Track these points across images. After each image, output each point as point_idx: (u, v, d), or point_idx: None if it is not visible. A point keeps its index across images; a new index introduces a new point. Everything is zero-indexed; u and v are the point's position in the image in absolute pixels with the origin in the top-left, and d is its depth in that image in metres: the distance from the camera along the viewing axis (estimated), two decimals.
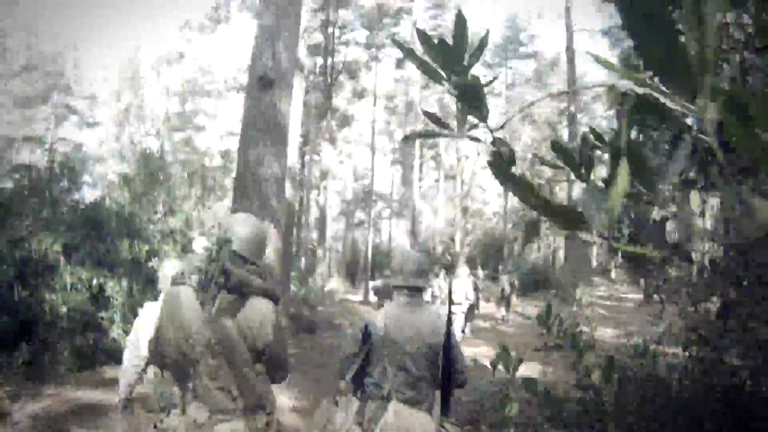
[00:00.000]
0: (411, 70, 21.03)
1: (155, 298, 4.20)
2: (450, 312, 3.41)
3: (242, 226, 2.76)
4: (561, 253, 51.73)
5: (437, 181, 42.10)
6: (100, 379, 7.87)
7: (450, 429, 3.09)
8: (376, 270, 42.35)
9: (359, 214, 45.05)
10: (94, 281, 8.86)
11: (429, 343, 3.17)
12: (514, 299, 19.22)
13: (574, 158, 1.79)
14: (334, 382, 3.41)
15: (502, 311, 18.40)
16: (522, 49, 39.13)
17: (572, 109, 25.67)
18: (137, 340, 3.98)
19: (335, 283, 38.71)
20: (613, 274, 47.19)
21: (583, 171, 1.78)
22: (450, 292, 4.68)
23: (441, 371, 3.18)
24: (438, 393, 3.23)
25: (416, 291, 3.33)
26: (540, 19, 30.79)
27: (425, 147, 37.73)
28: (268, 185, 10.65)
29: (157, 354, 2.66)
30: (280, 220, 11.01)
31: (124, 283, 9.06)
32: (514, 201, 46.09)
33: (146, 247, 9.82)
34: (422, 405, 3.11)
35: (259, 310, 2.62)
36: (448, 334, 3.19)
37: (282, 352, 2.74)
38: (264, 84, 10.67)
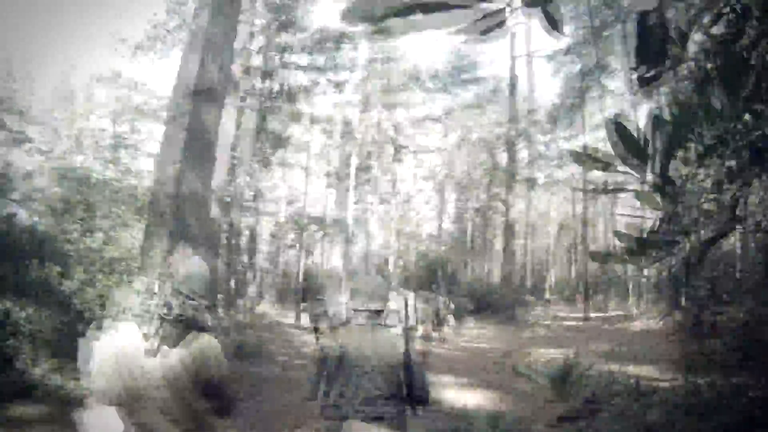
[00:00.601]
0: (349, 94, 20.70)
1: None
2: (407, 331, 3.51)
3: (185, 265, 2.87)
4: (495, 273, 52.78)
5: (371, 204, 41.81)
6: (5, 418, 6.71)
7: None
8: (308, 293, 41.91)
9: (292, 237, 44.25)
10: None
11: (388, 363, 3.27)
12: (451, 320, 18.96)
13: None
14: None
15: (437, 333, 18.12)
16: (464, 75, 39.34)
17: (512, 133, 25.83)
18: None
19: (266, 306, 38.09)
20: (547, 295, 48.20)
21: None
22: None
23: (401, 389, 3.28)
24: (400, 410, 3.30)
25: (375, 313, 3.43)
26: (483, 44, 30.52)
27: (360, 170, 37.45)
28: (186, 204, 10.07)
29: (99, 390, 2.61)
30: (197, 239, 10.39)
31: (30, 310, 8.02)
32: (447, 223, 46.74)
33: (57, 269, 8.85)
34: (383, 422, 3.17)
35: (201, 343, 2.67)
36: (407, 352, 3.27)
37: (225, 386, 2.80)
38: (195, 93, 10.14)
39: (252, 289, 26.23)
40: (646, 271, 24.65)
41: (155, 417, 2.54)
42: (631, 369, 10.41)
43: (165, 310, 2.54)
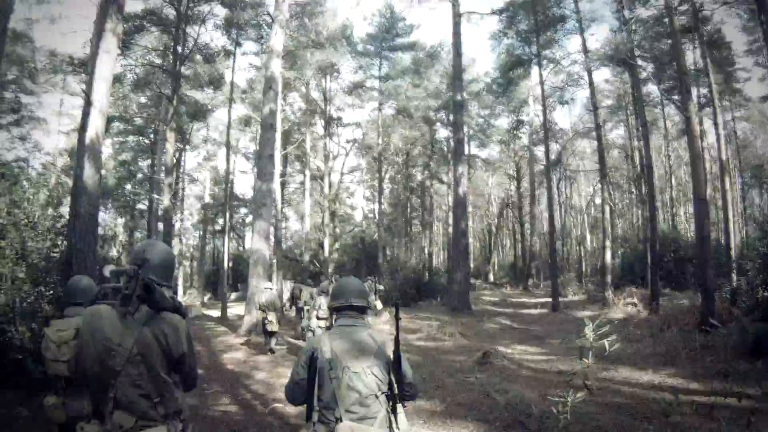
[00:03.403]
0: (276, 39, 17.49)
1: None
2: (398, 328, 3.33)
3: (154, 252, 2.96)
4: (438, 258, 50.84)
5: (302, 183, 38.81)
6: None
7: None
8: (240, 281, 39.15)
9: (221, 222, 41.05)
10: None
11: (376, 361, 3.23)
12: (378, 305, 16.37)
13: None
14: None
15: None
16: (399, 40, 36.33)
17: (459, 97, 23.12)
18: None
19: (190, 298, 34.87)
20: (491, 277, 46.63)
21: None
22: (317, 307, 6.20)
23: (392, 386, 3.24)
24: (390, 407, 3.25)
25: (358, 312, 3.46)
26: (420, 4, 27.68)
27: (290, 144, 34.38)
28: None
29: (79, 370, 2.78)
30: None
31: None
32: (385, 205, 44.23)
33: None
34: (375, 420, 3.15)
35: (173, 322, 2.81)
36: (397, 348, 3.22)
37: (192, 362, 2.94)
38: None
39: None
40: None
41: (130, 391, 2.69)
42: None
43: (145, 293, 2.68)
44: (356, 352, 3.23)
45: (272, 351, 12.68)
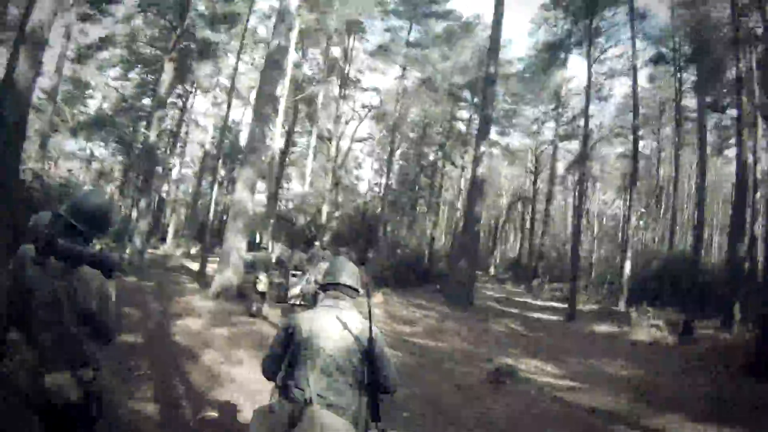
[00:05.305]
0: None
1: None
2: (370, 314, 3.08)
3: (85, 200, 2.99)
4: (440, 243, 48.70)
5: (308, 145, 36.66)
6: None
7: None
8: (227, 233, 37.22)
9: (222, 173, 39.24)
10: None
11: (354, 347, 3.10)
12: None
13: None
14: None
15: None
16: (435, 6, 33.67)
17: (492, 70, 20.87)
18: None
19: (171, 247, 33.02)
20: (491, 270, 44.62)
21: None
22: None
23: (365, 375, 3.11)
24: (365, 400, 3.11)
25: (346, 293, 3.32)
26: None
27: (301, 102, 32.16)
28: None
29: (10, 304, 2.87)
30: None
31: None
32: (393, 181, 42.12)
33: None
34: (347, 411, 3.00)
35: (84, 277, 2.79)
36: (371, 338, 3.06)
37: (105, 318, 2.87)
38: None
39: (143, 224, 20.50)
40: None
41: (41, 333, 2.76)
42: None
43: (48, 246, 2.68)
44: (334, 335, 3.10)
45: (254, 315, 12.00)
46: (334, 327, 3.11)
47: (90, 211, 2.92)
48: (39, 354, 2.73)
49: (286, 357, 3.13)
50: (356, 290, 3.36)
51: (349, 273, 3.34)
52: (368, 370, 3.08)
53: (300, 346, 3.07)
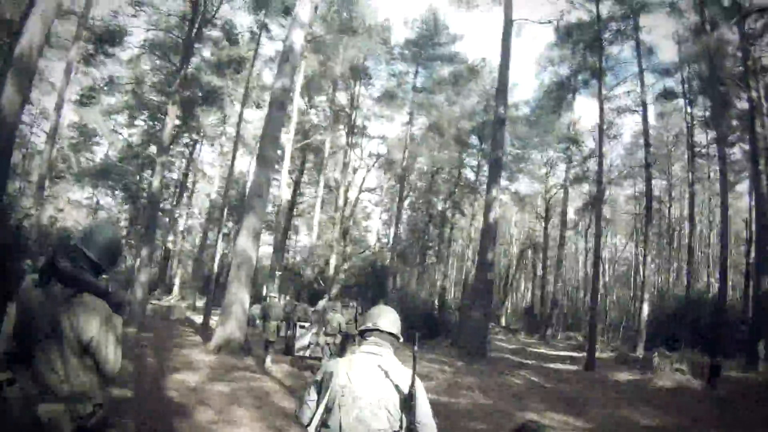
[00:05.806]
0: (301, 6, 15.21)
1: None
2: (414, 361, 3.00)
3: (98, 233, 2.95)
4: (450, 295, 47.83)
5: (316, 192, 36.31)
6: None
7: None
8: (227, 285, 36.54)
9: (230, 225, 38.94)
10: None
11: (392, 396, 2.98)
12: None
13: None
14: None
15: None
16: (440, 49, 33.86)
17: (501, 111, 20.47)
18: None
19: (176, 299, 32.46)
20: (503, 321, 43.58)
21: None
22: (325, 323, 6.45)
23: (402, 425, 2.98)
24: None
25: (388, 338, 3.23)
26: (469, 10, 25.31)
27: (308, 151, 31.95)
28: None
29: (15, 336, 2.77)
30: None
31: None
32: (401, 231, 41.60)
33: None
34: None
35: (87, 305, 2.71)
36: (412, 385, 2.94)
37: (105, 350, 2.76)
38: None
39: (145, 274, 19.81)
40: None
41: (41, 364, 2.65)
42: None
43: (51, 269, 2.68)
44: (374, 383, 3.00)
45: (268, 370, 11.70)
46: (375, 375, 3.02)
47: (103, 241, 2.91)
48: (35, 381, 2.62)
49: (321, 403, 3.03)
50: (397, 337, 3.25)
51: (392, 320, 3.28)
52: (406, 419, 2.96)
53: (336, 393, 2.99)
